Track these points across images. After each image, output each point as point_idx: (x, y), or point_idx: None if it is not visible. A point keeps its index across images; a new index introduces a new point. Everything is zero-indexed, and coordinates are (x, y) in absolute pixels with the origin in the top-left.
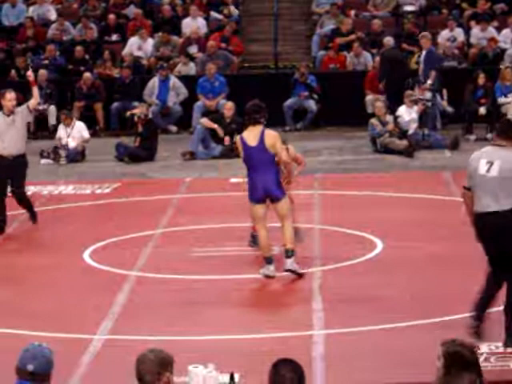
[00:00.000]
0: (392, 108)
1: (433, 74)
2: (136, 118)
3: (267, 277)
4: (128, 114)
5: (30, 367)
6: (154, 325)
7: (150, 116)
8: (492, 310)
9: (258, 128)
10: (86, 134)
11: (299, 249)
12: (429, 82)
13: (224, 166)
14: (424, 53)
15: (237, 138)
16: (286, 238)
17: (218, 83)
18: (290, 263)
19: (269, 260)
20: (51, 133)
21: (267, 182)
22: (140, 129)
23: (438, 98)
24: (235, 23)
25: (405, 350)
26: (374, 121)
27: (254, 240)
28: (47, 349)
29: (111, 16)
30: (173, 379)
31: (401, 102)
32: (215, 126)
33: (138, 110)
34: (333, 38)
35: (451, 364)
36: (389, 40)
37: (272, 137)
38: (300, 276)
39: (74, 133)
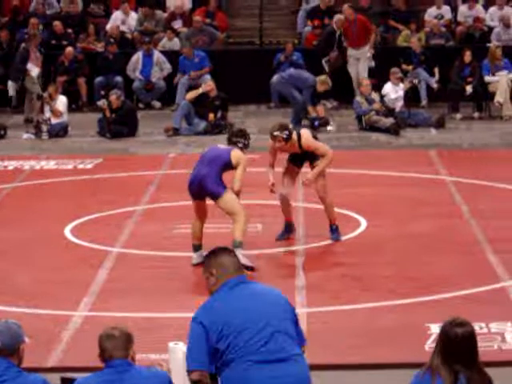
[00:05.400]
0: None
1: None
2: (102, 106)
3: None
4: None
5: None
6: (134, 301)
7: (122, 98)
8: (478, 290)
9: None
10: (62, 107)
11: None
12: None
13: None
14: None
15: None
16: (233, 230)
17: (198, 59)
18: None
19: (195, 247)
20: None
21: (206, 176)
22: (108, 114)
23: (427, 75)
24: None
25: (390, 328)
26: (359, 99)
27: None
28: (13, 323)
29: None
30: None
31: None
32: (200, 91)
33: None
34: (313, 16)
35: (438, 343)
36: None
37: (238, 156)
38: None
39: (57, 106)
